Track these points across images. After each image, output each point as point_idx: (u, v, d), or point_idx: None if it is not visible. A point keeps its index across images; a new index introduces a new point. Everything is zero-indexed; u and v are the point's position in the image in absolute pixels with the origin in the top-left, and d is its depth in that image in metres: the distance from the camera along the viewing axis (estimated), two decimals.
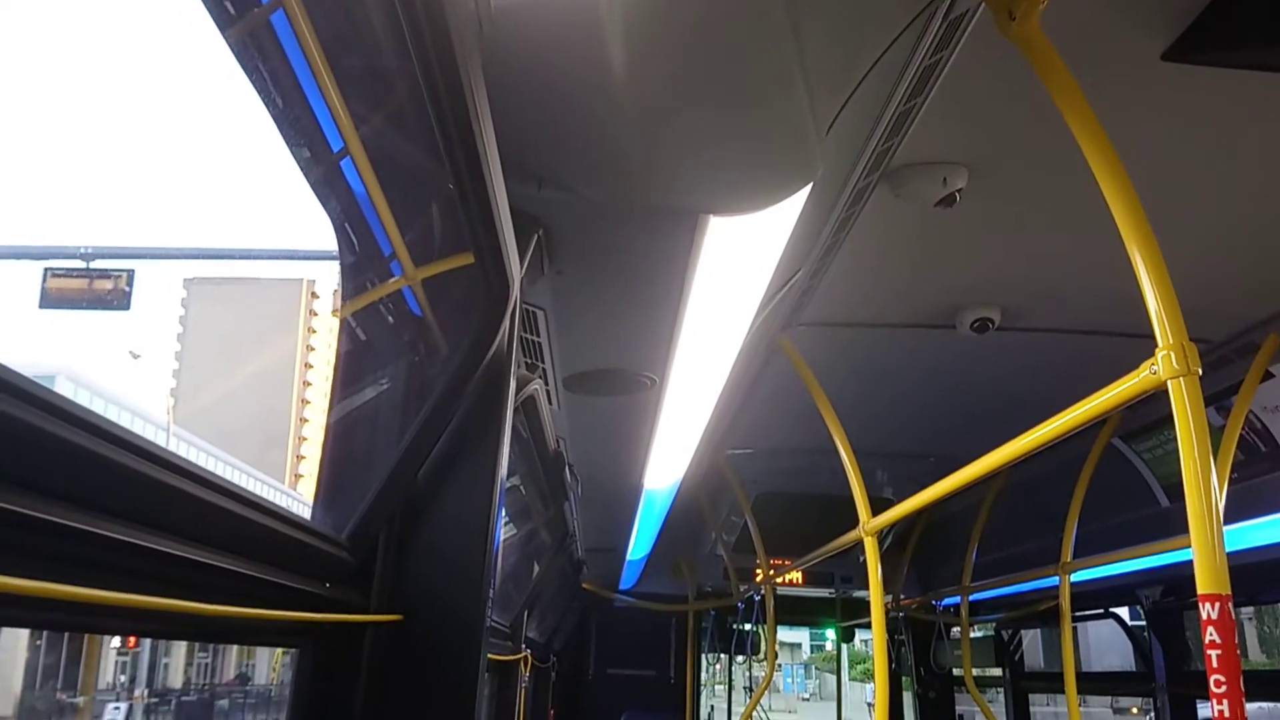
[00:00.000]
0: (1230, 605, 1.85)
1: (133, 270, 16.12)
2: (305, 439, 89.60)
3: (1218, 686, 1.81)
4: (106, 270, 15.93)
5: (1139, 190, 1.99)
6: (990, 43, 2.10)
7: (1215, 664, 1.81)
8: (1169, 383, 1.94)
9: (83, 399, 0.91)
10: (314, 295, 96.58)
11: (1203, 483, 1.86)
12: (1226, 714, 1.79)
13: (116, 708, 26.31)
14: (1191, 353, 1.93)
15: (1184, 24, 2.18)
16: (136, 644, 29.11)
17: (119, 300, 15.84)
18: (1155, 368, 1.98)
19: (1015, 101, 2.44)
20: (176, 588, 1.13)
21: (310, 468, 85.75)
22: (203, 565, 1.18)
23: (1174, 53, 2.25)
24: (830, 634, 10.78)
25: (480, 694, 1.74)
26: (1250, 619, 26.61)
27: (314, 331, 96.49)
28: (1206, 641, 1.83)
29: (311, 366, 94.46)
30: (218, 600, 1.22)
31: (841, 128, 2.22)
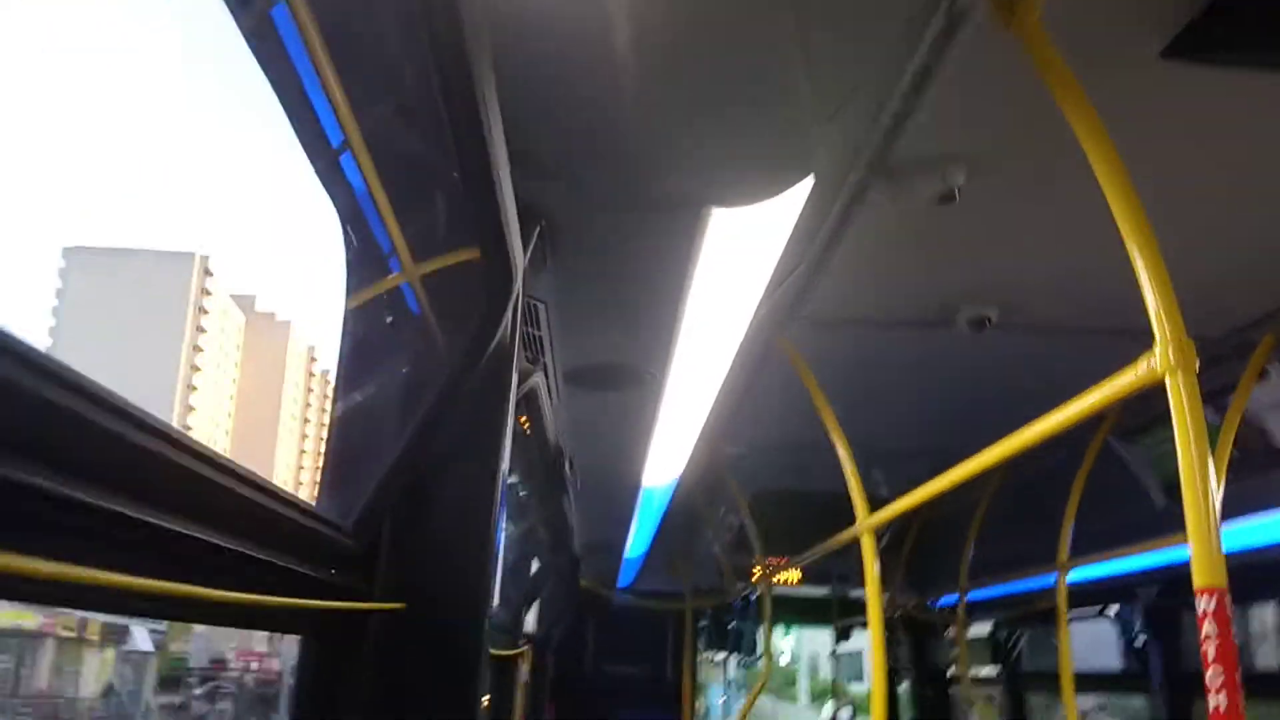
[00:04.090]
0: (1227, 598, 1.87)
1: None
2: (190, 429, 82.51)
3: (1215, 679, 1.82)
4: None
5: (1138, 187, 2.01)
6: (991, 40, 2.11)
7: (1212, 657, 1.82)
8: (1166, 377, 1.96)
9: None
10: (208, 272, 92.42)
11: (1199, 474, 1.88)
12: (1224, 707, 1.80)
13: None
14: (1189, 348, 1.94)
15: (1184, 22, 2.19)
16: None
17: None
18: (1152, 362, 1.99)
19: (1015, 99, 2.45)
20: (182, 567, 1.14)
21: None
22: (209, 545, 1.19)
23: (1174, 50, 2.26)
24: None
25: (481, 683, 1.76)
26: None
27: (205, 312, 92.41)
28: (1203, 635, 1.84)
29: (201, 350, 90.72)
30: (223, 580, 1.23)
31: (841, 124, 2.23)
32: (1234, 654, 1.82)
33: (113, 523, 1.01)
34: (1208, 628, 1.83)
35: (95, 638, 38.15)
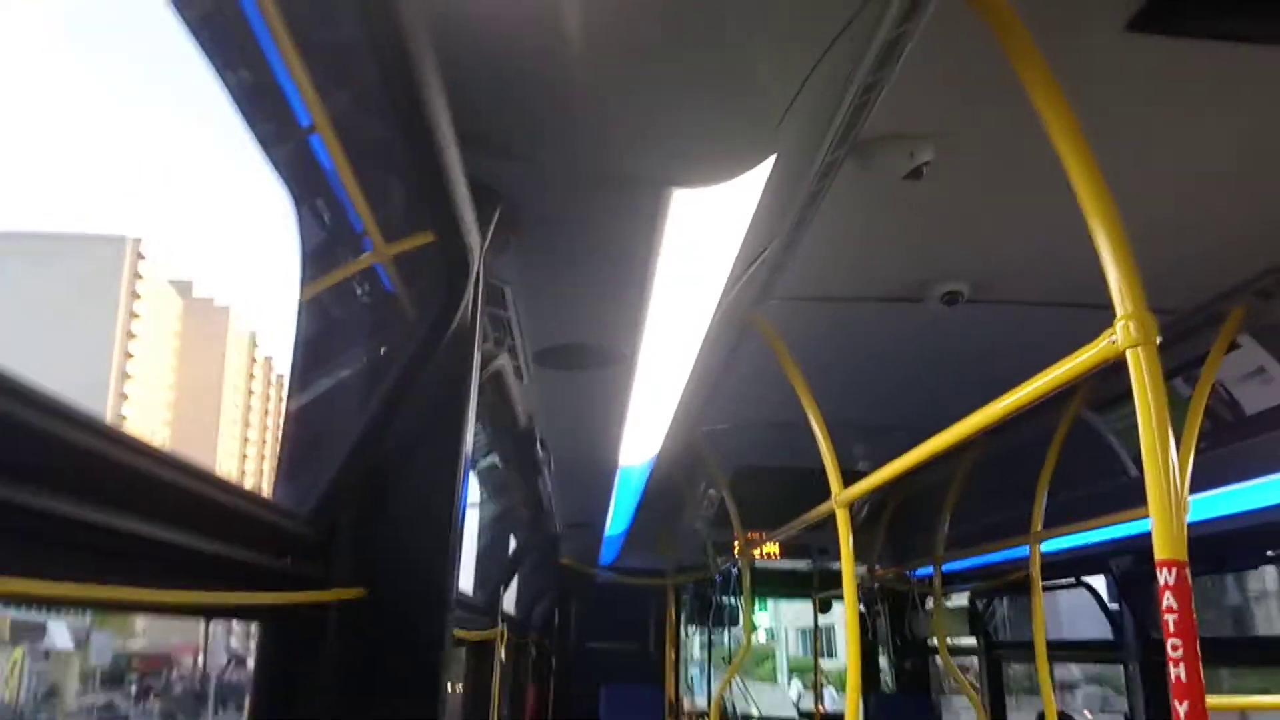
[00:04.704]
0: (1187, 571, 1.88)
1: None
2: (125, 419, 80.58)
3: (1174, 650, 1.84)
4: None
5: (1104, 162, 2.00)
6: (956, 14, 2.09)
7: (1172, 628, 1.84)
8: (1127, 352, 1.96)
9: None
10: (140, 256, 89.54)
11: (1160, 450, 1.88)
12: (1184, 677, 1.83)
13: None
14: (1150, 322, 1.94)
15: None
16: None
17: None
18: (1114, 337, 2.00)
19: (982, 73, 2.44)
20: (130, 565, 1.13)
21: None
22: (159, 541, 1.17)
23: (1138, 23, 2.25)
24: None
25: (446, 668, 1.75)
26: None
27: (139, 296, 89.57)
28: (1164, 606, 1.86)
29: (135, 336, 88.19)
30: (175, 575, 1.21)
31: (808, 100, 2.21)
32: (1194, 626, 1.84)
33: (59, 525, 0.99)
34: (1168, 600, 1.85)
35: (4, 636, 33.99)
